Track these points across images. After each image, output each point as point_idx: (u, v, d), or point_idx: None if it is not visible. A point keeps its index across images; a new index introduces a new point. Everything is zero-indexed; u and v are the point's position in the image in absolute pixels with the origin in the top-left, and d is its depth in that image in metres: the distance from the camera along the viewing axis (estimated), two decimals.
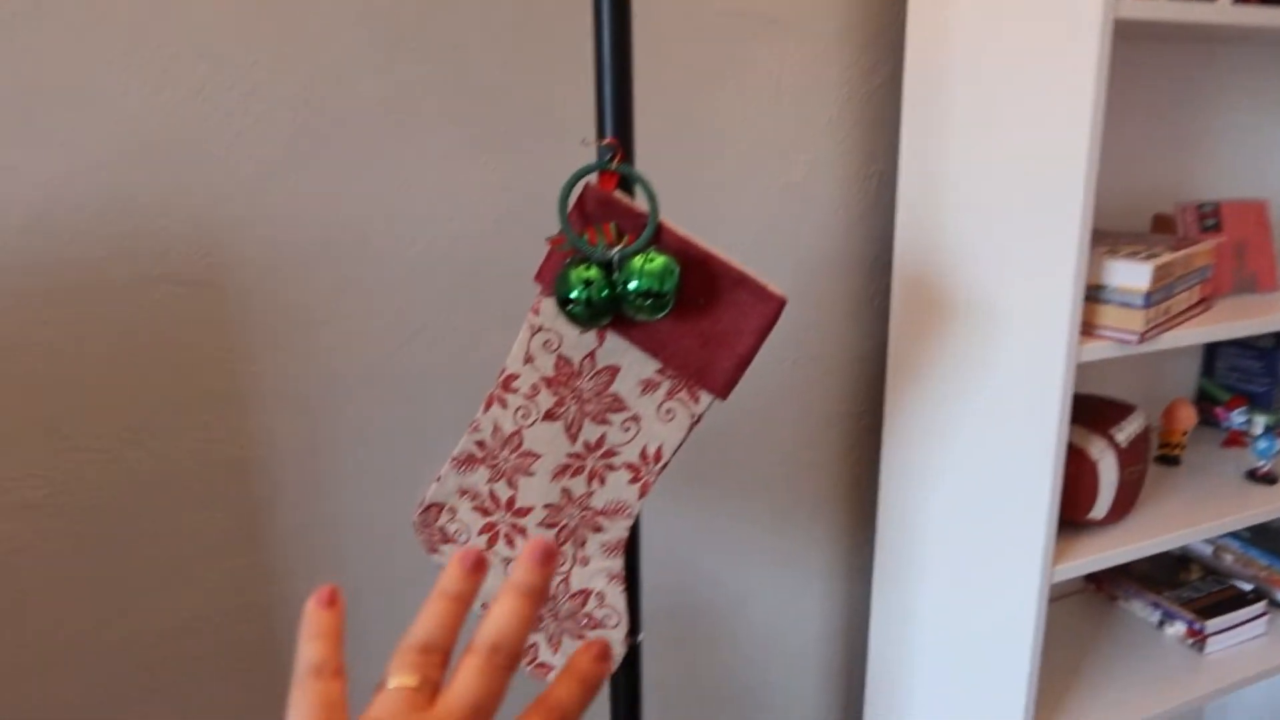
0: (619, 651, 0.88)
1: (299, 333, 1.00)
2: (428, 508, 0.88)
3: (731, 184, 1.16)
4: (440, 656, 0.38)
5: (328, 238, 0.98)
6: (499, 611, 0.39)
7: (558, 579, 0.87)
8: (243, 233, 0.95)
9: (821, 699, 1.44)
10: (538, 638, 0.89)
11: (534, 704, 0.38)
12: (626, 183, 0.78)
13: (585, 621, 0.88)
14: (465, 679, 0.37)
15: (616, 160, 0.77)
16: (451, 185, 1.02)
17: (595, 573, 0.87)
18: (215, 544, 1.01)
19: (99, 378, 0.92)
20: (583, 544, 0.86)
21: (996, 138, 1.09)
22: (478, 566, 0.40)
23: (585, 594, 0.87)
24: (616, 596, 0.87)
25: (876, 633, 1.38)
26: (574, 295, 0.74)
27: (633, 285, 0.73)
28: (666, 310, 0.75)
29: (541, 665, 0.89)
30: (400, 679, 0.37)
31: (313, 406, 1.02)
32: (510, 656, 0.38)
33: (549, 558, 0.40)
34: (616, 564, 0.86)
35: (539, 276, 0.80)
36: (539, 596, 0.39)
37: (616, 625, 0.88)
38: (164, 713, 1.02)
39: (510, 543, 0.87)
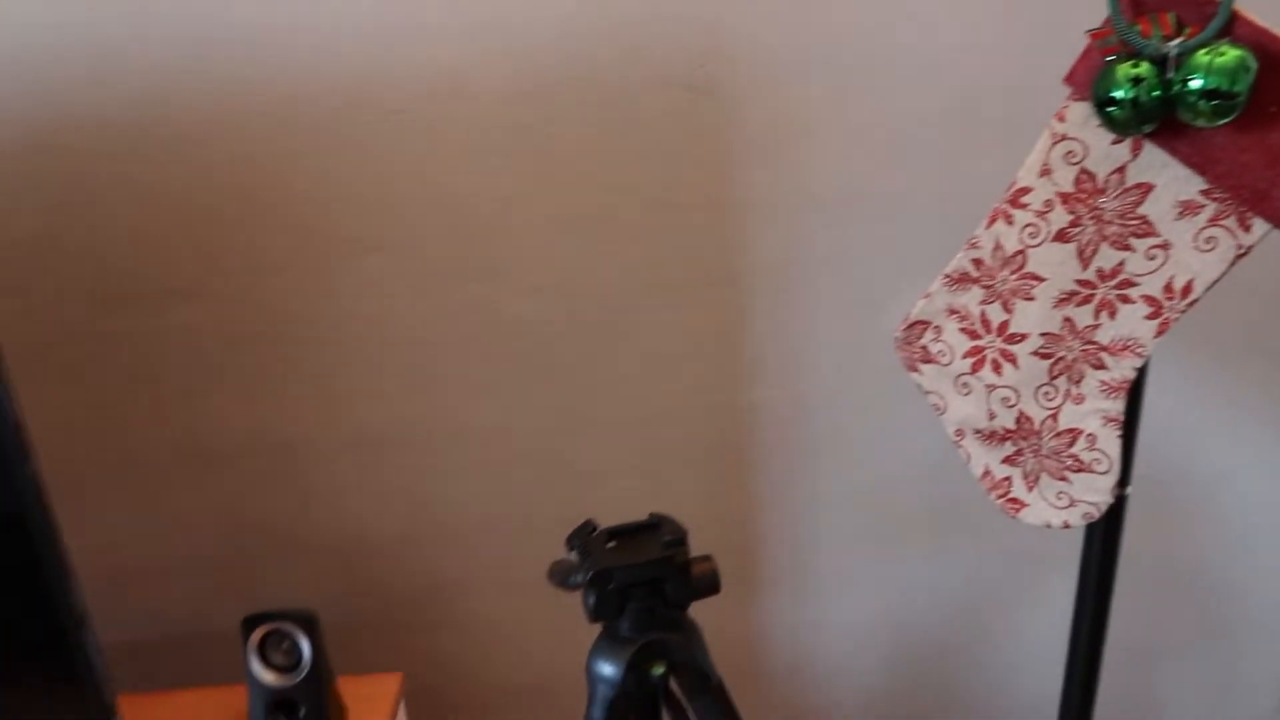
0: (1105, 501, 0.82)
1: (785, 147, 1.01)
2: (912, 325, 0.86)
3: None
4: None
5: (822, 47, 0.97)
6: None
7: (1044, 413, 0.82)
8: (737, 41, 0.96)
9: None
10: (1013, 472, 0.86)
11: None
12: None
13: (1070, 463, 0.82)
14: None
15: None
16: None
17: (1089, 413, 0.80)
18: (694, 346, 1.08)
19: (606, 175, 1.00)
20: (1079, 380, 0.80)
21: None
22: None
23: (1074, 434, 0.81)
24: (1110, 441, 0.80)
25: None
26: (1118, 95, 0.66)
27: (1195, 83, 0.63)
28: (1232, 115, 0.64)
29: (1014, 500, 0.86)
30: None
31: (791, 223, 1.04)
32: None
33: None
34: (1115, 406, 0.79)
35: (1070, 78, 0.72)
36: None
37: (1106, 471, 0.81)
38: (633, 483, 1.14)
39: (997, 369, 0.83)
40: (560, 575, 0.86)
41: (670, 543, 0.74)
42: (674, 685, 0.77)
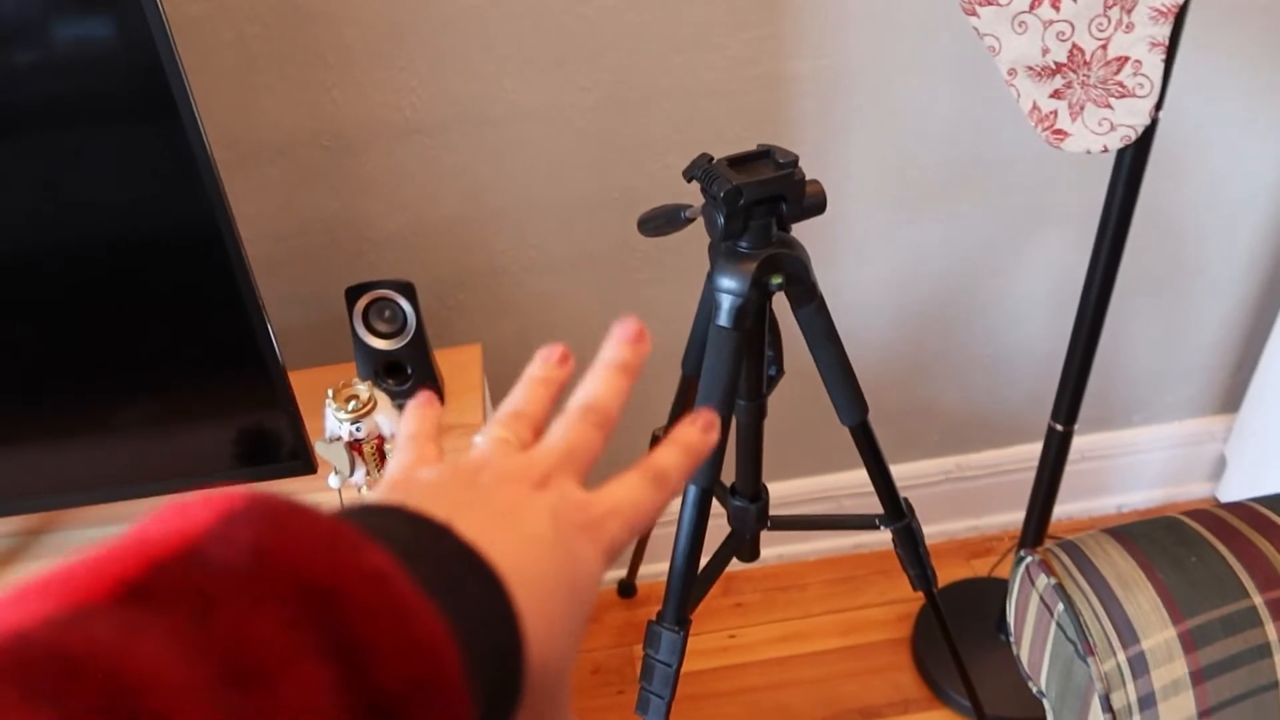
0: (1143, 123, 0.92)
1: None
2: None
3: None
4: (531, 422, 0.37)
5: None
6: (591, 381, 0.38)
7: (1096, 44, 0.90)
8: None
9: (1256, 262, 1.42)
10: (1059, 105, 0.95)
11: (635, 463, 0.36)
12: None
13: (1115, 89, 0.91)
14: (558, 429, 0.36)
15: None
16: None
17: (1137, 40, 0.89)
18: (738, 16, 1.12)
19: None
20: (1130, 9, 0.88)
21: None
22: (565, 359, 0.39)
23: (1121, 61, 0.90)
24: (1154, 65, 0.89)
25: None
26: None
27: None
28: None
29: (1058, 131, 0.96)
30: (492, 433, 0.36)
31: None
32: (604, 417, 0.36)
33: (640, 338, 0.39)
34: (1162, 31, 0.88)
35: None
36: (632, 373, 0.38)
37: (1146, 95, 0.91)
38: (678, 160, 1.20)
39: (1055, 4, 0.90)
40: (657, 220, 0.94)
41: (785, 164, 0.81)
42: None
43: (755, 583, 1.55)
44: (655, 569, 1.56)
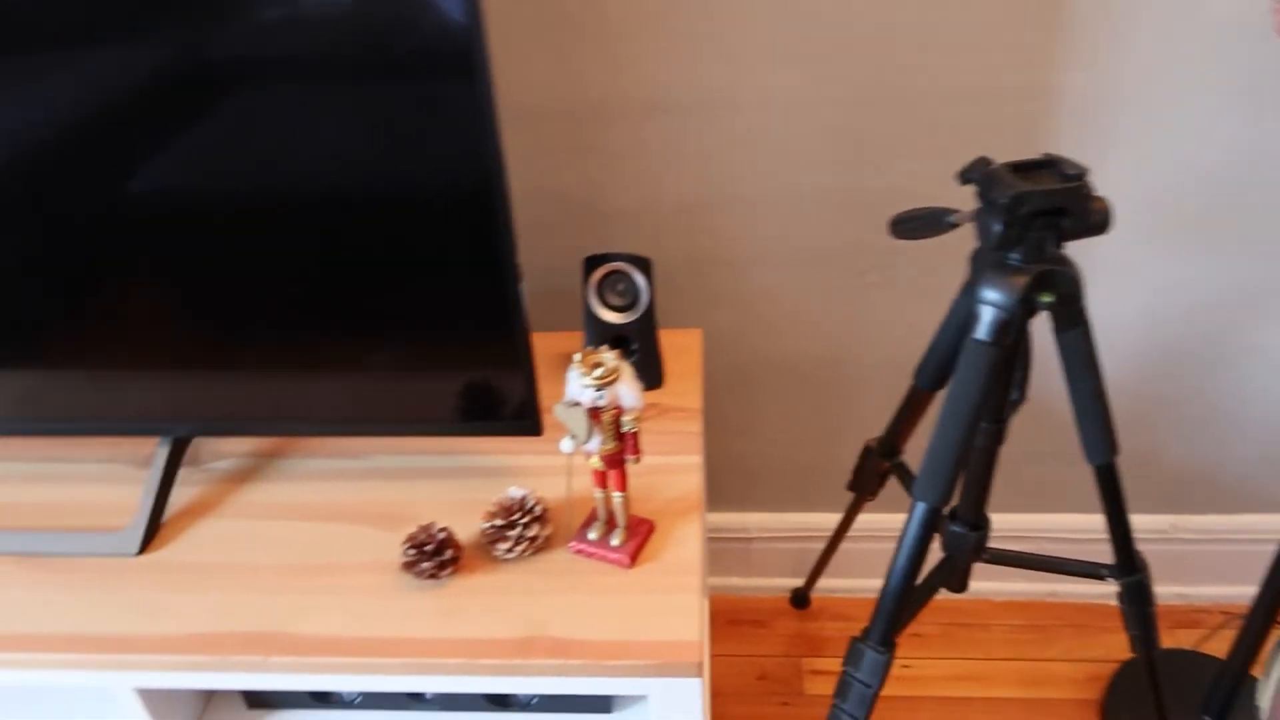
0: None
1: None
2: None
3: None
4: None
5: None
6: None
7: None
8: None
9: None
10: None
11: None
12: None
13: None
14: None
15: None
16: None
17: None
18: (1006, 18, 1.06)
19: None
20: None
21: None
22: None
23: None
24: None
25: None
26: None
27: None
28: None
29: None
30: None
31: None
32: None
33: None
34: None
35: None
36: None
37: None
38: (921, 165, 1.16)
39: None
40: (915, 223, 0.90)
41: (1072, 175, 0.76)
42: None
43: (936, 614, 1.48)
44: (833, 584, 1.52)
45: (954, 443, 0.83)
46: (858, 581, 1.52)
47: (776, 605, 1.51)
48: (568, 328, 1.21)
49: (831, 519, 1.45)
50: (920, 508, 0.87)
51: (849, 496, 1.44)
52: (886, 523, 1.45)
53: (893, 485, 1.27)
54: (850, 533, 1.41)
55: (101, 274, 0.87)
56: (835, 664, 1.42)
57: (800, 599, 1.50)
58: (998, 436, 0.93)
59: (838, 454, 1.39)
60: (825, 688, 1.40)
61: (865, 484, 1.19)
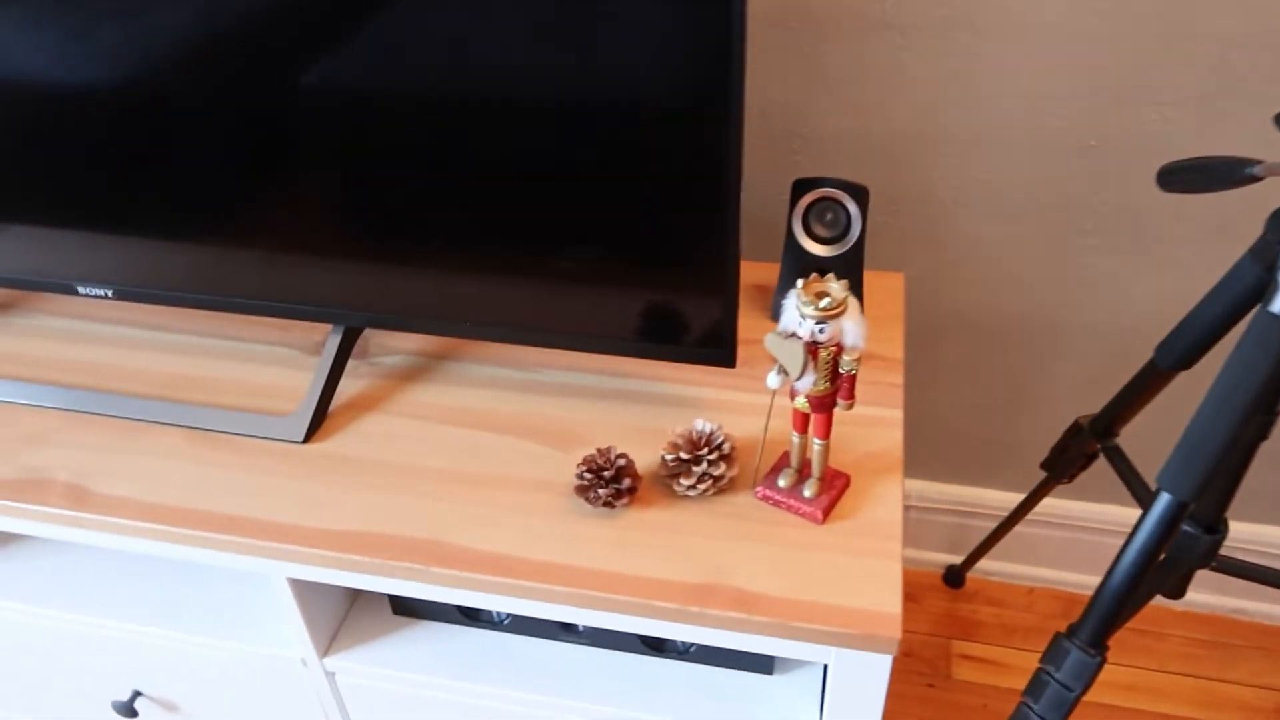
0: None
1: None
2: None
3: None
4: None
5: None
6: None
7: None
8: None
9: None
10: None
11: None
12: None
13: None
14: None
15: None
16: None
17: None
18: None
19: None
20: None
21: None
22: None
23: None
24: None
25: None
26: None
27: None
28: None
29: None
30: None
31: None
32: None
33: None
34: None
35: None
36: None
37: None
38: (1178, 115, 1.01)
39: None
40: (1195, 174, 0.78)
41: None
42: None
43: None
44: (993, 566, 1.41)
45: (1224, 430, 0.71)
46: (1021, 568, 1.41)
47: (926, 580, 1.41)
48: (756, 257, 1.12)
49: (1000, 497, 1.34)
50: (1165, 499, 0.76)
51: (1025, 475, 1.32)
52: (1072, 510, 1.32)
53: (1091, 470, 1.15)
54: (1028, 516, 1.30)
55: (295, 160, 0.83)
56: (988, 651, 1.32)
57: (955, 577, 1.40)
58: (1262, 431, 0.80)
59: (1023, 428, 1.27)
60: (975, 674, 1.30)
61: (1066, 465, 1.07)
